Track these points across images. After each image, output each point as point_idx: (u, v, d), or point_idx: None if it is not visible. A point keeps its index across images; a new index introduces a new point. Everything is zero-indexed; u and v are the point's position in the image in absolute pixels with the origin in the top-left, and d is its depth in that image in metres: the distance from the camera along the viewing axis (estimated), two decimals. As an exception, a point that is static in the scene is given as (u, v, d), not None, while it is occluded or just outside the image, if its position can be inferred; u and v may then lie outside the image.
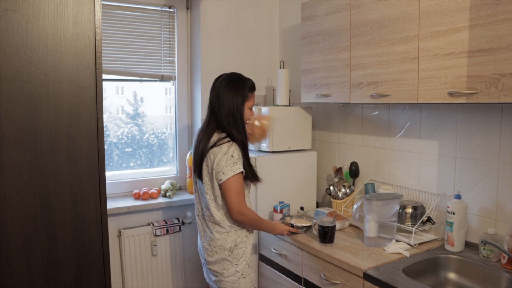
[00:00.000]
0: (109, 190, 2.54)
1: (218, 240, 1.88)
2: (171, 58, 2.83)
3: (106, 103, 2.71)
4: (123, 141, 2.80)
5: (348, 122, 2.56)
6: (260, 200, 2.44)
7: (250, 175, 1.89)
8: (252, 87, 1.94)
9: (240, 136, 1.87)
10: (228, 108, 1.86)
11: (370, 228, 1.94)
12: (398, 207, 1.97)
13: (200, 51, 2.76)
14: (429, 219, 2.02)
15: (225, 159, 1.79)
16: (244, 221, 1.85)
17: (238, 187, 1.81)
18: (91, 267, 1.62)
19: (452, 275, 1.83)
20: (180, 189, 2.86)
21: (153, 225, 2.63)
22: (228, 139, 1.85)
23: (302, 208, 2.50)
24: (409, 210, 2.03)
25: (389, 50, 1.85)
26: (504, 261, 1.70)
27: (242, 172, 1.82)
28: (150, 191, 2.69)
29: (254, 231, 2.04)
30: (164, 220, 2.69)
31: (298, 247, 2.09)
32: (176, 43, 2.83)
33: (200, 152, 1.88)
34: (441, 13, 1.63)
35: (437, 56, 1.65)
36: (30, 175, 1.49)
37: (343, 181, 2.47)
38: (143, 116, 2.85)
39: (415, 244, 1.93)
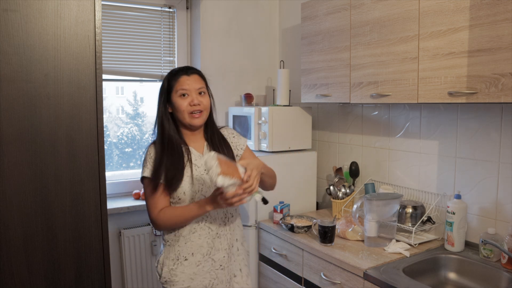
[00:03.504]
0: (109, 190, 2.54)
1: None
2: (171, 58, 2.83)
3: (106, 103, 2.71)
4: (123, 141, 2.81)
5: (348, 122, 2.56)
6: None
7: (165, 181, 1.58)
8: (173, 73, 1.62)
9: (159, 133, 1.64)
10: (157, 110, 1.65)
11: (370, 228, 1.94)
12: (398, 207, 1.97)
13: (200, 51, 2.76)
14: (429, 219, 2.02)
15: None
16: (160, 226, 1.59)
17: (145, 193, 1.63)
18: (91, 267, 1.62)
19: (452, 275, 1.83)
20: (180, 189, 2.86)
21: (153, 225, 2.63)
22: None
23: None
24: (409, 210, 2.03)
25: (389, 50, 1.85)
26: (504, 261, 1.70)
27: (145, 177, 1.61)
28: (150, 191, 2.69)
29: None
30: (164, 220, 2.68)
31: (298, 247, 2.09)
32: (176, 43, 2.83)
33: None
34: (441, 13, 1.63)
35: (437, 56, 1.65)
36: (30, 175, 1.48)
37: (343, 181, 2.47)
38: (143, 116, 2.86)
39: (415, 244, 1.93)
